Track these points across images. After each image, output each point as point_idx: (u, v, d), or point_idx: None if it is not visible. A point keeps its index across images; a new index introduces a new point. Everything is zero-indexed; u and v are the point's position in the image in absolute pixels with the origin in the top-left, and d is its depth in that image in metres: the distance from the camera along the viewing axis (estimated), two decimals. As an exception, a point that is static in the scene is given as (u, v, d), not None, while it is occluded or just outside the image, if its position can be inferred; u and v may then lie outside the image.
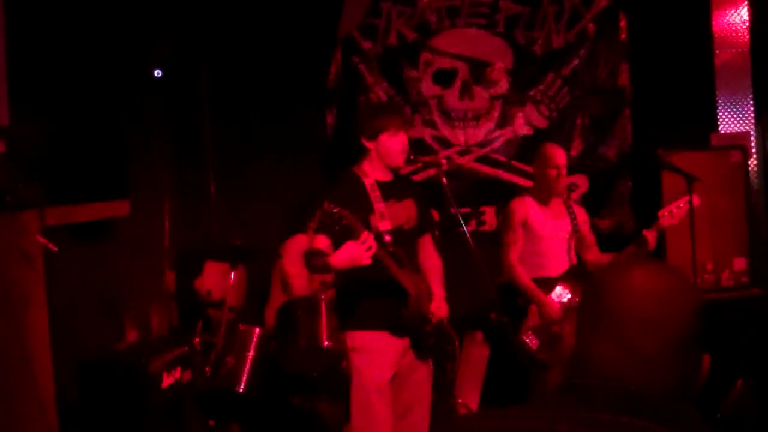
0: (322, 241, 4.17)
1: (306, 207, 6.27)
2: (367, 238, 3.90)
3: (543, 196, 5.47)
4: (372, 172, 4.35)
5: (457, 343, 4.86)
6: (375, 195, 4.26)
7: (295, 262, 6.18)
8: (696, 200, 5.16)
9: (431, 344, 4.43)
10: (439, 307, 4.45)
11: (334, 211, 3.86)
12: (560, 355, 5.02)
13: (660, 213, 5.13)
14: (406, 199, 4.42)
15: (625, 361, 1.51)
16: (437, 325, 4.44)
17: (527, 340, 5.17)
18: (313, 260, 4.16)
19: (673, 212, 5.12)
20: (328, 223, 3.91)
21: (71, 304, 4.81)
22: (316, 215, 4.19)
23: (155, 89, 6.42)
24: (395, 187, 4.39)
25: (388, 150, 4.29)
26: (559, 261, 5.41)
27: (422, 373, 4.47)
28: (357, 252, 3.91)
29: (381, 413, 4.22)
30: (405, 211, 4.38)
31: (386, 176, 4.38)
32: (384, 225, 4.21)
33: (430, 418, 4.54)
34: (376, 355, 4.25)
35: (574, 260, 5.47)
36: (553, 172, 5.34)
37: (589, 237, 5.58)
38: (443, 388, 5.66)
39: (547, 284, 5.31)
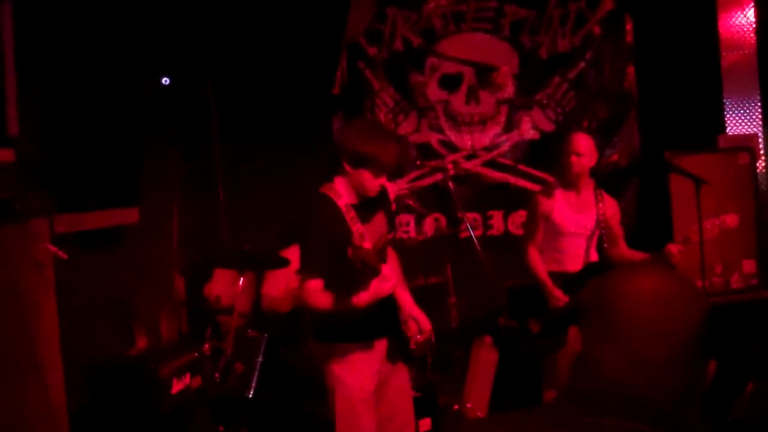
0: (317, 284, 4.06)
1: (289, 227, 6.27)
2: (389, 276, 3.92)
3: (570, 185, 5.33)
4: (345, 194, 4.18)
5: (430, 352, 4.84)
6: (351, 217, 4.13)
7: (276, 281, 6.18)
8: (734, 220, 5.18)
9: (412, 350, 4.38)
10: (425, 322, 4.42)
11: (363, 248, 3.82)
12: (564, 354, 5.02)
13: (693, 229, 5.11)
14: (377, 214, 4.30)
15: (630, 366, 1.51)
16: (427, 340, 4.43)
17: (530, 326, 5.20)
18: (318, 303, 4.09)
19: (706, 230, 5.10)
20: (358, 267, 3.81)
21: (81, 310, 4.83)
22: (310, 251, 4.12)
23: (164, 97, 6.44)
24: (366, 205, 4.23)
25: (363, 186, 4.11)
26: (575, 258, 5.34)
27: (401, 379, 4.44)
28: (380, 289, 3.92)
29: (367, 424, 4.20)
30: (377, 228, 4.26)
31: (357, 198, 4.21)
32: (366, 245, 4.09)
33: (414, 422, 4.54)
34: (358, 366, 4.20)
35: (594, 256, 5.38)
36: (573, 159, 5.20)
37: (616, 230, 5.42)
38: (453, 393, 5.68)
39: (560, 279, 5.25)
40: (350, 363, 4.20)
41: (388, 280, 3.92)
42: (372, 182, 4.09)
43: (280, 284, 6.21)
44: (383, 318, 4.22)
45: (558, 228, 5.30)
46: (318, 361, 4.33)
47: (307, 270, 4.09)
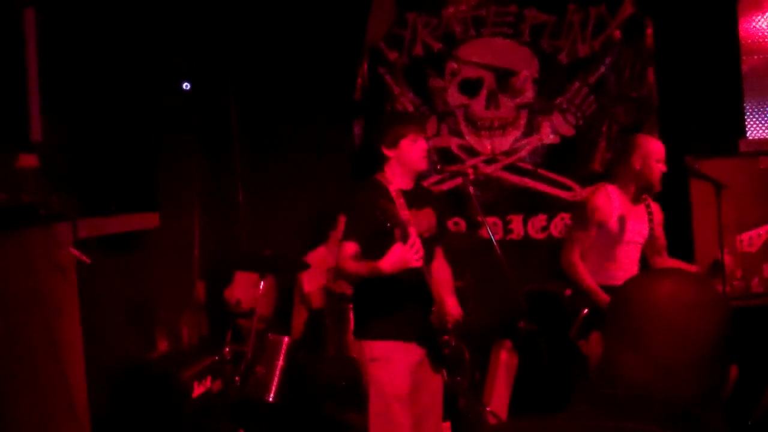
0: (352, 248, 4.20)
1: (326, 217, 6.33)
2: (416, 242, 3.97)
3: (632, 192, 5.08)
4: (395, 180, 4.37)
5: (468, 357, 4.85)
6: (400, 202, 4.29)
7: (312, 278, 6.23)
8: None
9: (446, 355, 4.44)
10: (454, 307, 4.47)
11: (391, 207, 3.91)
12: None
13: (739, 238, 5.03)
14: (426, 207, 4.44)
15: (652, 371, 1.51)
16: (453, 331, 4.45)
17: (581, 345, 5.00)
18: (352, 267, 4.19)
19: (753, 239, 5.03)
20: (381, 219, 3.94)
21: (103, 314, 4.86)
22: (353, 218, 4.24)
23: (185, 102, 6.48)
24: (416, 196, 4.41)
25: (410, 156, 4.30)
26: (629, 268, 5.07)
27: (436, 384, 4.48)
28: (407, 255, 3.97)
29: (402, 423, 4.22)
30: (425, 219, 4.40)
31: (407, 184, 4.40)
32: (411, 231, 4.23)
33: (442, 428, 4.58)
34: (396, 365, 4.24)
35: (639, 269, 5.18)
36: (659, 166, 4.99)
37: (662, 240, 5.24)
38: (468, 398, 5.68)
39: (608, 292, 4.92)
40: (385, 361, 4.25)
41: (417, 250, 3.99)
42: (415, 148, 4.30)
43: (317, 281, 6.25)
44: (414, 315, 4.26)
45: (616, 236, 5.03)
46: (361, 360, 4.42)
47: (346, 236, 4.25)
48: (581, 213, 5.13)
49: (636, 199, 5.09)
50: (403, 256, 3.98)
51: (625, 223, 5.03)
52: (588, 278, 4.98)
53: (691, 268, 5.10)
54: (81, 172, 4.80)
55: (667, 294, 1.54)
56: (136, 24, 5.55)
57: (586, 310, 4.98)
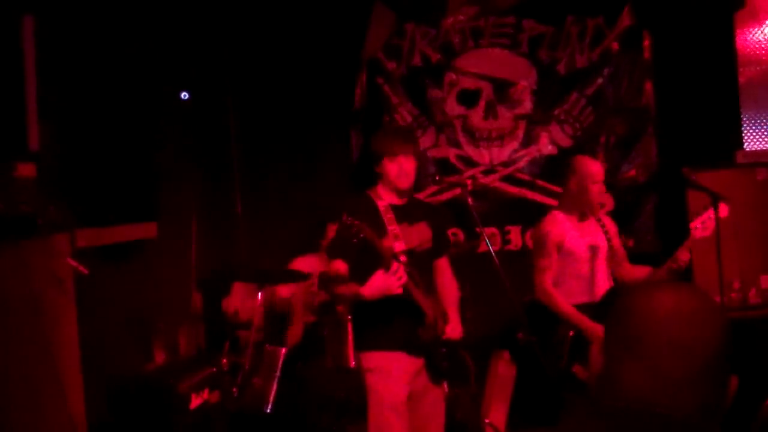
0: (341, 266, 4.20)
1: (316, 227, 6.32)
2: (398, 269, 3.96)
3: (577, 213, 5.19)
4: (385, 196, 4.38)
5: (471, 368, 4.85)
6: (388, 217, 4.29)
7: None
8: (724, 210, 5.09)
9: (445, 367, 4.43)
10: (453, 329, 4.45)
11: (355, 223, 3.90)
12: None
13: (692, 225, 5.07)
14: (419, 222, 4.43)
15: (652, 383, 1.51)
16: (451, 347, 4.44)
17: (576, 371, 5.03)
18: (339, 289, 4.20)
19: (705, 223, 5.06)
20: (345, 236, 3.94)
21: (101, 325, 4.85)
22: (336, 232, 4.24)
23: (183, 112, 6.48)
24: (408, 211, 4.41)
25: (389, 174, 4.31)
26: (602, 282, 5.17)
27: (436, 395, 4.48)
28: (388, 282, 3.99)
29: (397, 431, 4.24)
30: (418, 234, 4.39)
31: (399, 200, 4.40)
32: (398, 246, 4.24)
33: None
34: (392, 375, 4.25)
35: (610, 280, 5.25)
36: (596, 188, 5.09)
37: (621, 251, 5.33)
38: (466, 410, 5.67)
39: (590, 311, 5.02)
40: (380, 371, 4.27)
41: (399, 276, 3.99)
42: (392, 167, 4.29)
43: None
44: (410, 326, 4.26)
45: (576, 254, 5.12)
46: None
47: (334, 254, 4.26)
48: (537, 242, 5.22)
49: (582, 218, 5.19)
50: (384, 283, 4.02)
51: (582, 240, 5.13)
52: (563, 305, 5.04)
53: (648, 270, 5.21)
54: (79, 182, 4.79)
55: (668, 306, 1.55)
56: (134, 34, 5.56)
57: (571, 333, 5.03)
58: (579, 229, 5.17)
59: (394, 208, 4.35)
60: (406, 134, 4.71)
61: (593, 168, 5.14)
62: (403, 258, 4.20)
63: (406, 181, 4.34)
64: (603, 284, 5.18)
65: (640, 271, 5.28)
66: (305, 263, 6.22)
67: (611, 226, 5.33)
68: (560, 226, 5.13)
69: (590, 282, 5.15)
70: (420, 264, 4.33)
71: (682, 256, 5.00)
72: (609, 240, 5.21)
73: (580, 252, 5.13)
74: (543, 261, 5.11)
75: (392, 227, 4.27)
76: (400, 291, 4.02)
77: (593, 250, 5.17)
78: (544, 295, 5.09)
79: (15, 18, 4.17)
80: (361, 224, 3.91)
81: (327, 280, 4.29)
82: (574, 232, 5.15)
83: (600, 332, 4.92)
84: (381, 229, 4.21)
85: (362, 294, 4.09)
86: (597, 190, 5.11)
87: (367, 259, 4.04)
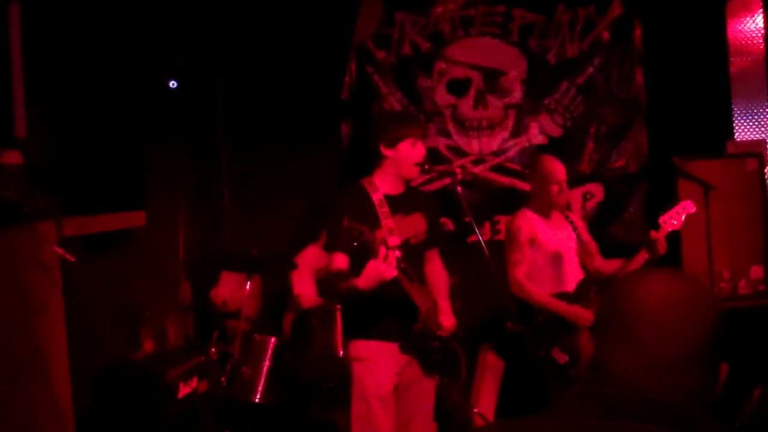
0: (341, 260, 4.16)
1: (314, 216, 6.29)
2: (387, 254, 3.92)
3: (544, 210, 5.35)
4: (382, 185, 4.32)
5: (463, 360, 4.84)
6: (383, 211, 4.24)
7: (303, 281, 6.17)
8: (691, 207, 5.11)
9: (438, 360, 4.41)
10: (447, 320, 4.42)
11: (358, 227, 3.85)
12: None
13: (661, 220, 5.09)
14: (414, 212, 4.40)
15: (643, 369, 1.51)
16: (445, 339, 4.42)
17: (555, 356, 5.08)
18: (338, 285, 4.16)
19: (673, 217, 5.08)
20: (347, 239, 3.90)
21: (88, 314, 4.82)
22: (333, 231, 4.19)
23: (171, 100, 6.44)
24: (404, 201, 4.36)
25: (406, 160, 4.26)
26: (575, 273, 5.32)
27: (425, 386, 4.45)
28: (380, 269, 3.92)
29: (382, 423, 4.20)
30: (413, 225, 4.36)
31: (396, 189, 4.36)
32: (393, 240, 4.19)
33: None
34: (378, 365, 4.23)
35: (581, 272, 5.38)
36: (554, 188, 5.25)
37: (592, 244, 5.48)
38: (455, 399, 5.66)
39: (565, 299, 5.18)
40: (368, 361, 4.25)
41: (389, 263, 3.92)
42: (413, 153, 4.28)
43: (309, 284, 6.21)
44: (402, 318, 4.23)
45: (548, 247, 5.27)
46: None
47: (333, 247, 4.23)
48: (509, 238, 5.36)
49: (549, 215, 5.36)
50: (376, 271, 3.94)
51: (552, 235, 5.29)
52: (538, 295, 5.18)
53: (620, 261, 5.29)
54: (66, 170, 4.75)
55: (658, 291, 1.55)
56: (123, 21, 5.52)
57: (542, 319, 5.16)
58: (548, 224, 5.34)
59: (390, 199, 4.30)
60: (421, 120, 4.69)
61: (552, 167, 5.30)
62: (398, 253, 4.12)
63: (418, 169, 4.34)
64: (574, 276, 5.30)
65: (613, 264, 5.37)
66: (307, 257, 6.19)
67: (578, 222, 5.52)
68: (530, 222, 5.29)
69: (561, 274, 5.28)
70: (413, 256, 4.29)
71: (658, 240, 5.02)
72: (578, 235, 5.37)
73: (551, 246, 5.27)
74: (515, 255, 5.26)
75: (387, 221, 4.22)
76: (395, 273, 3.95)
77: (563, 243, 5.32)
78: (518, 288, 5.20)
79: (1, 5, 4.13)
80: (363, 227, 3.88)
81: (329, 280, 4.25)
82: (544, 226, 5.30)
83: (581, 313, 5.00)
84: (375, 223, 4.17)
85: (358, 285, 4.03)
86: (556, 190, 5.25)
87: (366, 257, 3.99)
